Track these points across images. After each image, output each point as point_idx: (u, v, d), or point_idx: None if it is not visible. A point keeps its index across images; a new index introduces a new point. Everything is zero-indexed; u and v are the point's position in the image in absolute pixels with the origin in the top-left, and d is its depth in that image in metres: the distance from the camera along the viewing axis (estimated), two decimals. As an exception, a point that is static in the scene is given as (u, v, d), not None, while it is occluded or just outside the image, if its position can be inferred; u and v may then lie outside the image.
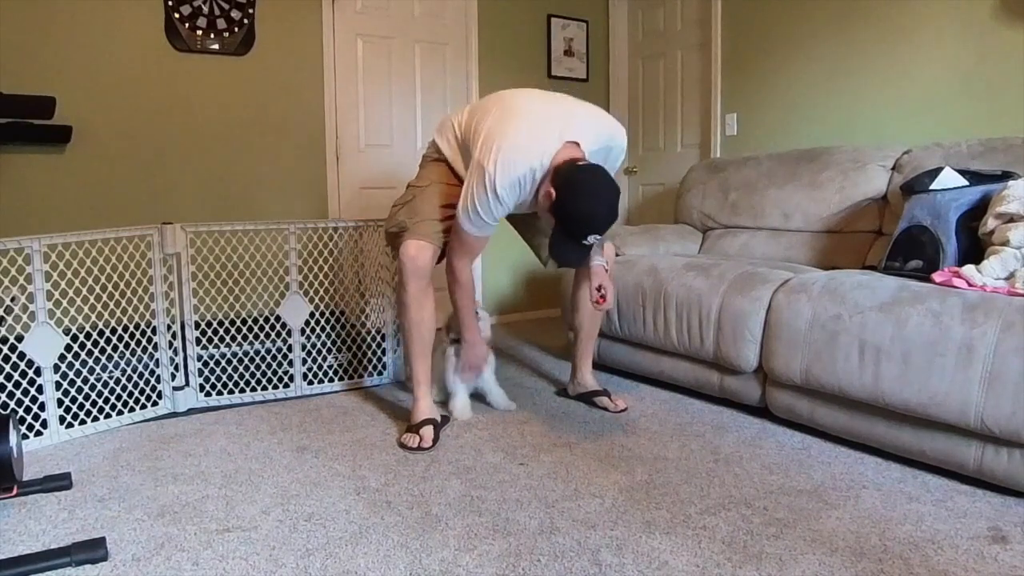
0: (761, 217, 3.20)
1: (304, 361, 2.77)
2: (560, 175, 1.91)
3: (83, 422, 2.32)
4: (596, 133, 2.07)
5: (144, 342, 2.48)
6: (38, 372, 2.19)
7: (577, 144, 1.99)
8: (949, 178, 2.24)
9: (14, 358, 2.14)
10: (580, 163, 1.93)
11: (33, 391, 2.19)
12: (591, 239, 1.92)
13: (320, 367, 2.82)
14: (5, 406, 2.12)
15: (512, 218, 2.48)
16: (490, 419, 2.43)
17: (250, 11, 3.44)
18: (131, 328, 2.45)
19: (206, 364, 2.65)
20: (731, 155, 3.75)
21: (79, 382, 2.34)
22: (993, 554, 1.50)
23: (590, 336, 2.61)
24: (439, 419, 2.29)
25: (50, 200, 3.10)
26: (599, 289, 2.26)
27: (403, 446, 2.17)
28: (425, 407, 2.29)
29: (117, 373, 2.45)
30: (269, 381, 2.74)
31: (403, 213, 2.30)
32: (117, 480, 1.94)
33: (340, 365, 2.87)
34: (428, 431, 2.19)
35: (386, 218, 2.42)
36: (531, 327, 4.17)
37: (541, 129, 1.98)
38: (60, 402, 2.26)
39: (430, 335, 2.31)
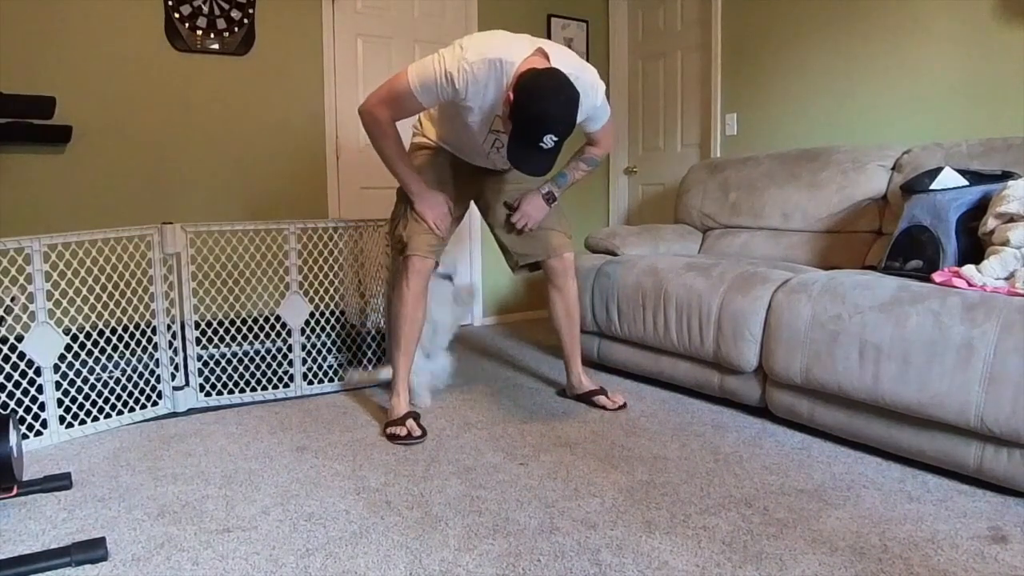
0: (761, 217, 3.20)
1: (304, 361, 2.77)
2: (520, 79, 1.91)
3: (83, 422, 2.32)
4: (568, 61, 2.06)
5: (144, 342, 2.48)
6: (38, 372, 2.19)
7: (547, 57, 1.99)
8: (949, 178, 2.24)
9: (14, 358, 2.14)
10: (541, 68, 1.93)
11: (33, 391, 2.19)
12: (547, 140, 1.87)
13: (320, 367, 2.82)
14: (5, 406, 2.12)
15: (486, 217, 2.60)
16: (490, 419, 2.44)
17: (250, 11, 3.44)
18: (131, 328, 2.45)
19: (206, 364, 2.65)
20: (731, 155, 3.75)
21: (79, 382, 2.34)
22: (993, 554, 1.50)
23: (572, 336, 2.61)
24: (418, 412, 2.39)
25: (50, 200, 3.10)
26: (516, 204, 2.43)
27: (394, 437, 2.22)
28: (405, 401, 2.38)
29: (117, 373, 2.45)
30: (269, 381, 2.74)
31: (401, 228, 2.37)
32: (117, 480, 1.94)
33: (340, 365, 2.87)
34: (413, 423, 2.26)
35: (388, 230, 2.53)
36: (531, 327, 4.17)
37: (515, 37, 2.05)
38: (60, 402, 2.27)
39: (417, 334, 2.41)
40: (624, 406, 2.53)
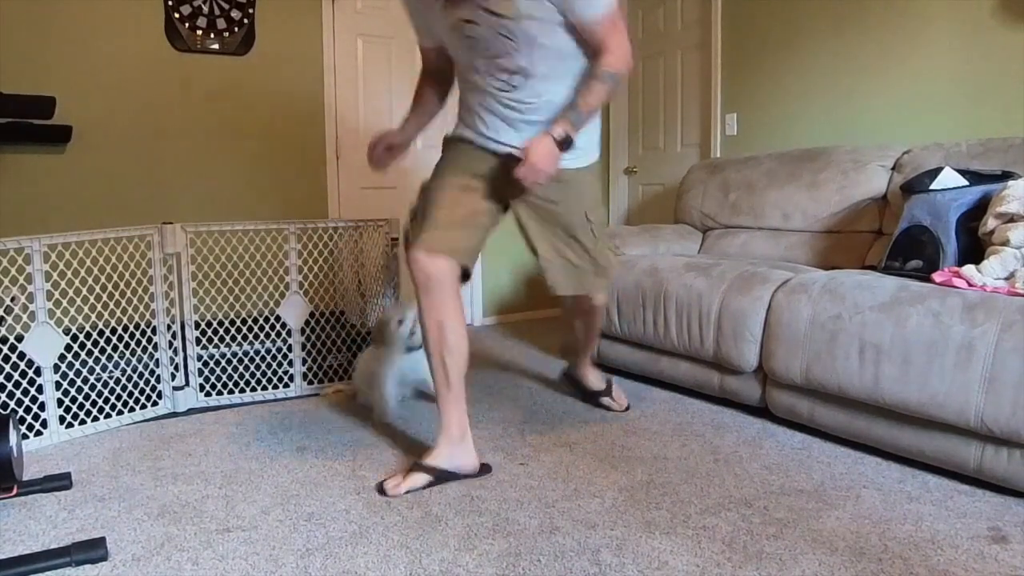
0: (761, 217, 3.20)
1: (304, 361, 2.77)
2: None
3: (83, 422, 2.32)
4: None
5: (144, 342, 2.48)
6: (38, 372, 2.19)
7: None
8: (949, 178, 2.24)
9: (14, 358, 2.14)
10: None
11: (33, 391, 2.19)
12: None
13: (320, 367, 2.82)
14: (5, 406, 2.12)
15: (523, 224, 2.03)
16: (490, 419, 2.43)
17: (250, 11, 3.44)
18: (131, 328, 2.45)
19: (206, 364, 2.65)
20: (731, 155, 3.75)
21: (79, 382, 2.34)
22: (993, 554, 1.50)
23: (587, 344, 2.50)
24: (489, 464, 2.02)
25: (50, 200, 3.10)
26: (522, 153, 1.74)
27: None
28: (473, 452, 1.96)
29: (117, 373, 2.45)
30: (269, 381, 2.74)
31: (414, 224, 1.93)
32: (117, 480, 1.94)
33: (340, 365, 2.87)
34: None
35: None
36: (531, 327, 4.17)
37: None
38: (60, 402, 2.26)
39: (458, 364, 1.88)
40: (628, 408, 2.53)
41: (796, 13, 3.47)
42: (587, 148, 2.00)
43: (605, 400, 2.53)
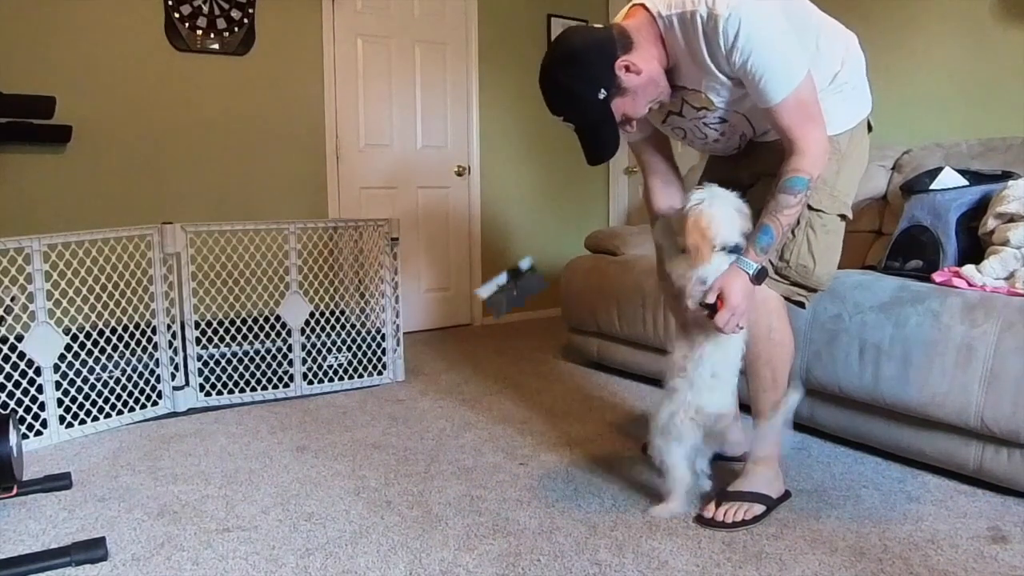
0: (761, 217, 3.20)
1: (304, 361, 2.77)
2: None
3: (83, 422, 2.32)
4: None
5: (144, 342, 2.48)
6: (38, 372, 2.19)
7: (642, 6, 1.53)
8: (949, 178, 2.24)
9: (14, 358, 2.14)
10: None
11: (33, 391, 2.19)
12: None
13: (320, 367, 2.82)
14: (5, 406, 2.12)
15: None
16: (490, 419, 2.43)
17: (250, 11, 3.44)
18: (131, 328, 2.45)
19: (206, 364, 2.65)
20: (731, 155, 3.74)
21: (79, 382, 2.34)
22: (993, 554, 1.50)
23: (751, 388, 1.86)
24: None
25: (50, 200, 3.10)
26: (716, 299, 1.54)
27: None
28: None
29: (117, 373, 2.45)
30: (269, 381, 2.74)
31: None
32: (117, 480, 1.94)
33: (340, 365, 2.87)
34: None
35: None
36: (531, 327, 4.17)
37: None
38: (60, 402, 2.26)
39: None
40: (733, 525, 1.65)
41: (796, 13, 3.46)
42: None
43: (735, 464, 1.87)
